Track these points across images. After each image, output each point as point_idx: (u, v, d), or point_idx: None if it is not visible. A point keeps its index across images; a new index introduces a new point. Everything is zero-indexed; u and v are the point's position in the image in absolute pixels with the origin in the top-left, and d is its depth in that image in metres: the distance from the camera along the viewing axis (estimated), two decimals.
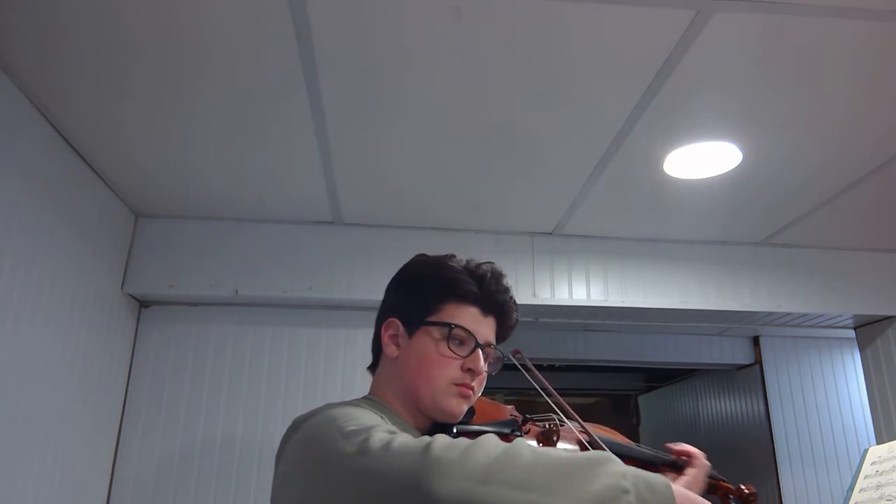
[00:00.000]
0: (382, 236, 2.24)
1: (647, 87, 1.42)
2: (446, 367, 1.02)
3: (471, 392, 1.04)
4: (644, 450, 1.26)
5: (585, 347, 3.63)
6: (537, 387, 1.18)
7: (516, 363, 1.16)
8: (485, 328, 1.07)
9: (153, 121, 1.57)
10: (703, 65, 1.34)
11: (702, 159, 1.74)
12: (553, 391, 1.17)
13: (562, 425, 1.22)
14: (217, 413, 2.10)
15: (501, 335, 1.12)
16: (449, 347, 1.02)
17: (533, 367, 1.15)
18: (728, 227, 2.28)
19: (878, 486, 1.02)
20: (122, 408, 2.07)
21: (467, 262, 1.10)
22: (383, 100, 1.48)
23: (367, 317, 2.10)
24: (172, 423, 2.08)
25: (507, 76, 1.38)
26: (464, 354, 1.03)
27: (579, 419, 1.14)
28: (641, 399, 5.62)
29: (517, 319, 1.14)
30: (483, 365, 1.05)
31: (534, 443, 1.15)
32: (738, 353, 3.67)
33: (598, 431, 1.23)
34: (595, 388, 5.32)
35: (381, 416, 0.92)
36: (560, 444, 1.15)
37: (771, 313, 2.41)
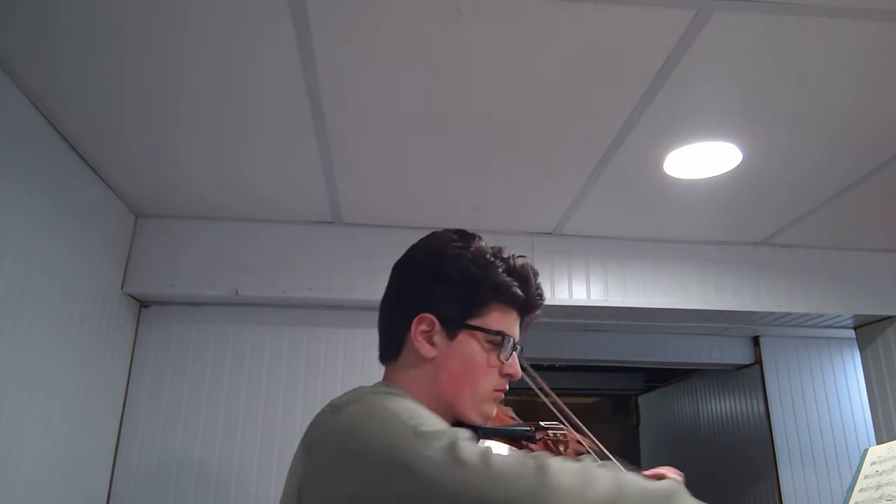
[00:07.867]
0: (382, 236, 2.24)
1: (647, 87, 1.42)
2: (491, 376, 0.99)
3: (502, 394, 1.02)
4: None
5: (585, 347, 3.63)
6: (535, 388, 1.18)
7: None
8: (519, 330, 1.04)
9: (153, 121, 1.57)
10: (703, 65, 1.34)
11: (702, 159, 1.74)
12: (554, 396, 1.16)
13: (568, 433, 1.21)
14: (217, 412, 2.10)
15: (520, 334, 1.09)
16: (498, 357, 0.99)
17: (530, 368, 1.15)
18: (728, 227, 2.28)
19: (878, 486, 1.02)
20: (122, 408, 2.07)
21: (504, 257, 1.04)
22: (383, 100, 1.48)
23: (367, 316, 2.11)
24: (172, 423, 2.08)
25: (507, 76, 1.38)
26: (504, 360, 1.00)
27: (577, 421, 1.15)
28: (641, 399, 5.62)
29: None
30: (519, 368, 1.02)
31: (551, 454, 1.15)
32: (738, 353, 3.67)
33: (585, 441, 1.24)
34: (595, 388, 5.32)
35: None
36: (564, 454, 1.15)
37: (771, 313, 2.41)
